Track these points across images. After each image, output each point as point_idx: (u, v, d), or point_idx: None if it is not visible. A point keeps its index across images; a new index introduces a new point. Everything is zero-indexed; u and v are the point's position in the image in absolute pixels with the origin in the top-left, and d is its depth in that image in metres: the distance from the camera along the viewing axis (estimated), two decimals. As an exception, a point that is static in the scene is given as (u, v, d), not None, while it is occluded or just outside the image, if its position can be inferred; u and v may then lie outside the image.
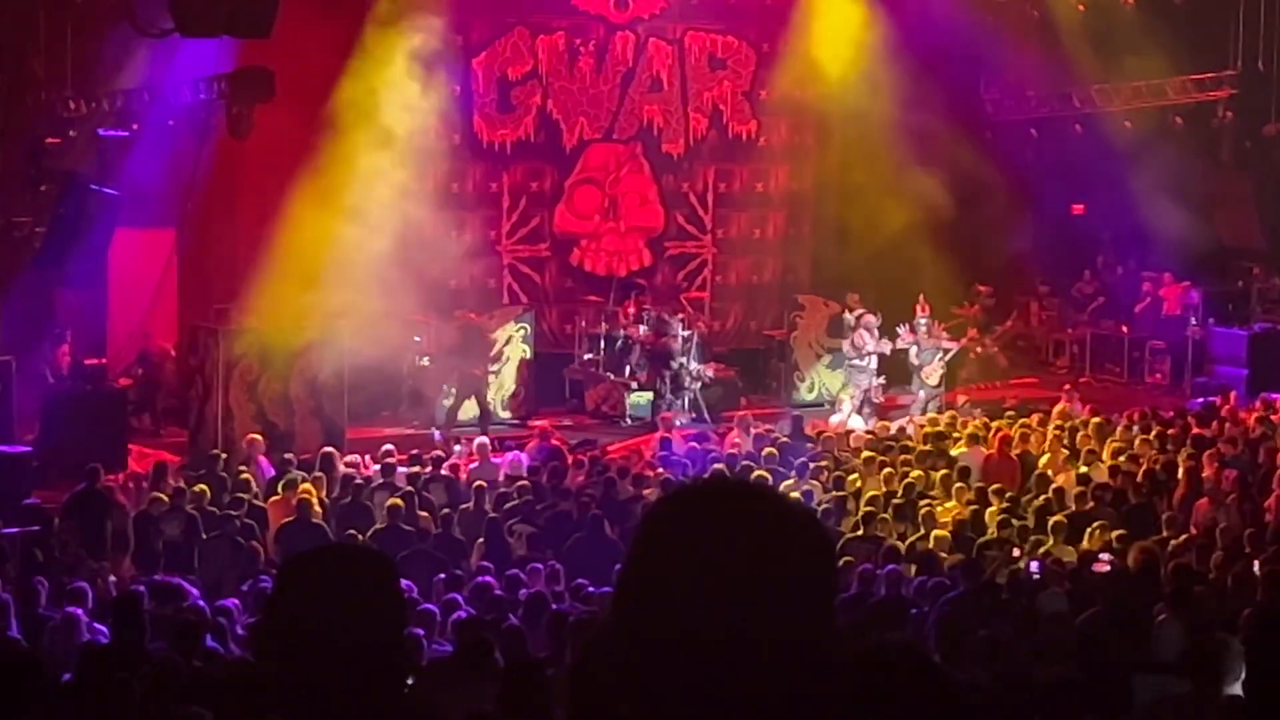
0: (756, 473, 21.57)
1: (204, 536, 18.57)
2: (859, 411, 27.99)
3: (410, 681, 10.36)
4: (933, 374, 28.75)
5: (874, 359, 28.71)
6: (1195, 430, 24.21)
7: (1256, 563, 16.91)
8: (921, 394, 28.70)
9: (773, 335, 31.68)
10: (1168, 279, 33.32)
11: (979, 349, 31.43)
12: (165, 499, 19.51)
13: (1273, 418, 24.94)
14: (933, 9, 31.20)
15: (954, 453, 23.11)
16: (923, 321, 28.95)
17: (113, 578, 17.01)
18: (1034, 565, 17.30)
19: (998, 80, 33.98)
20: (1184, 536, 18.19)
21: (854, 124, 31.78)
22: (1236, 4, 29.31)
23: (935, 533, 18.72)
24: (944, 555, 17.72)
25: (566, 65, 31.44)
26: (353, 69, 28.56)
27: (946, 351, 28.94)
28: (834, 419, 27.11)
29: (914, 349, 28.81)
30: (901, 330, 28.91)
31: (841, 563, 16.39)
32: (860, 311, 29.22)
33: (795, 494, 20.14)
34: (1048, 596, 15.35)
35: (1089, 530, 18.44)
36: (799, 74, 32.77)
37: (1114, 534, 18.21)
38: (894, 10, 31.57)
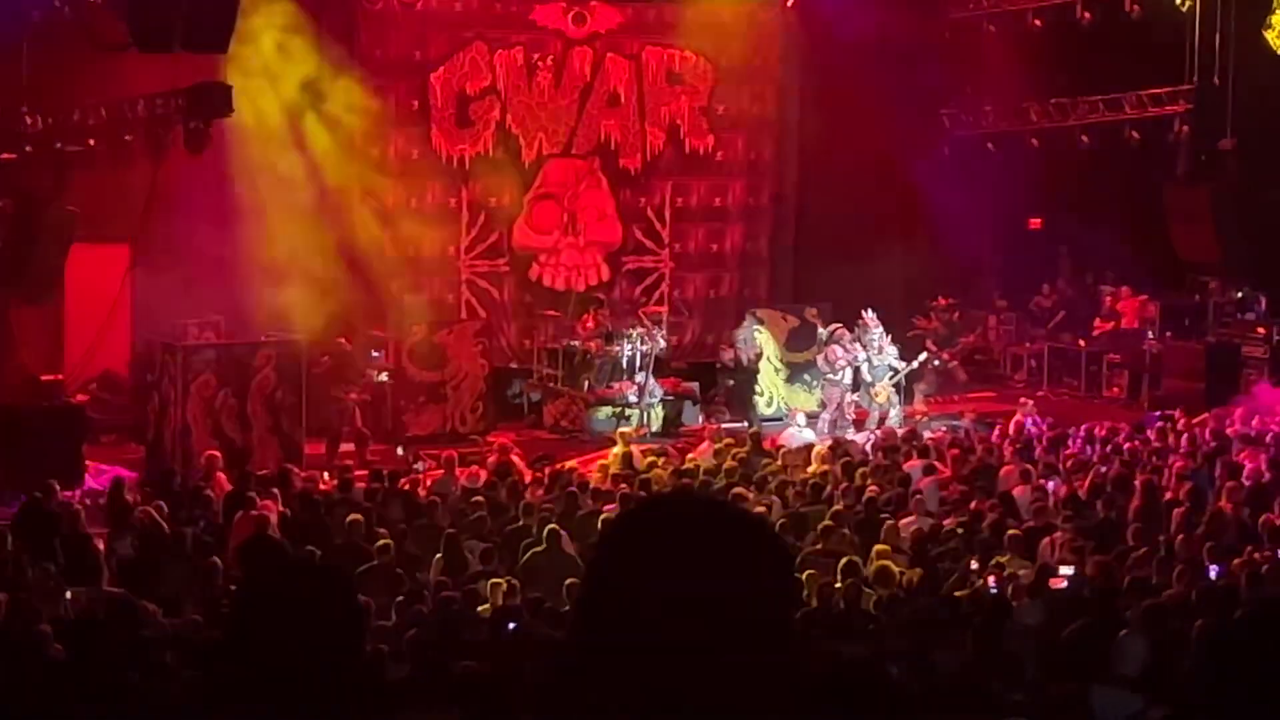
0: (716, 486, 21.63)
1: (162, 554, 18.48)
2: (834, 425, 28.00)
3: (370, 698, 10.33)
4: (881, 392, 28.71)
5: (848, 373, 28.71)
6: (1153, 444, 24.30)
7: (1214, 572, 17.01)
8: (875, 410, 28.69)
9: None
10: (1125, 293, 33.45)
11: (936, 363, 31.44)
12: (122, 515, 19.43)
13: (1228, 431, 25.03)
14: (890, 24, 31.27)
15: (910, 467, 23.11)
16: (875, 335, 28.89)
17: (68, 594, 16.92)
18: (991, 579, 17.33)
19: (955, 95, 34.07)
20: (1143, 550, 18.21)
21: (811, 139, 31.89)
22: (1192, 19, 29.41)
23: (894, 547, 18.70)
24: (903, 569, 17.73)
25: (525, 80, 31.42)
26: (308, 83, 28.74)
27: (897, 371, 28.92)
28: (792, 433, 27.08)
29: (865, 365, 28.80)
30: (852, 345, 28.85)
31: (801, 577, 16.41)
32: (835, 326, 29.25)
33: (755, 508, 20.15)
34: (1009, 610, 15.37)
35: (1046, 544, 18.47)
36: (757, 89, 32.88)
37: (1071, 548, 18.24)
38: (851, 26, 31.63)
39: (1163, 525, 19.77)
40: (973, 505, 20.54)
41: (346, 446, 26.17)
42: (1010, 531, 18.92)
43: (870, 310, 29.00)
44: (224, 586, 16.55)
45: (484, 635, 13.86)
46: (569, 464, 24.53)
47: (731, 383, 29.76)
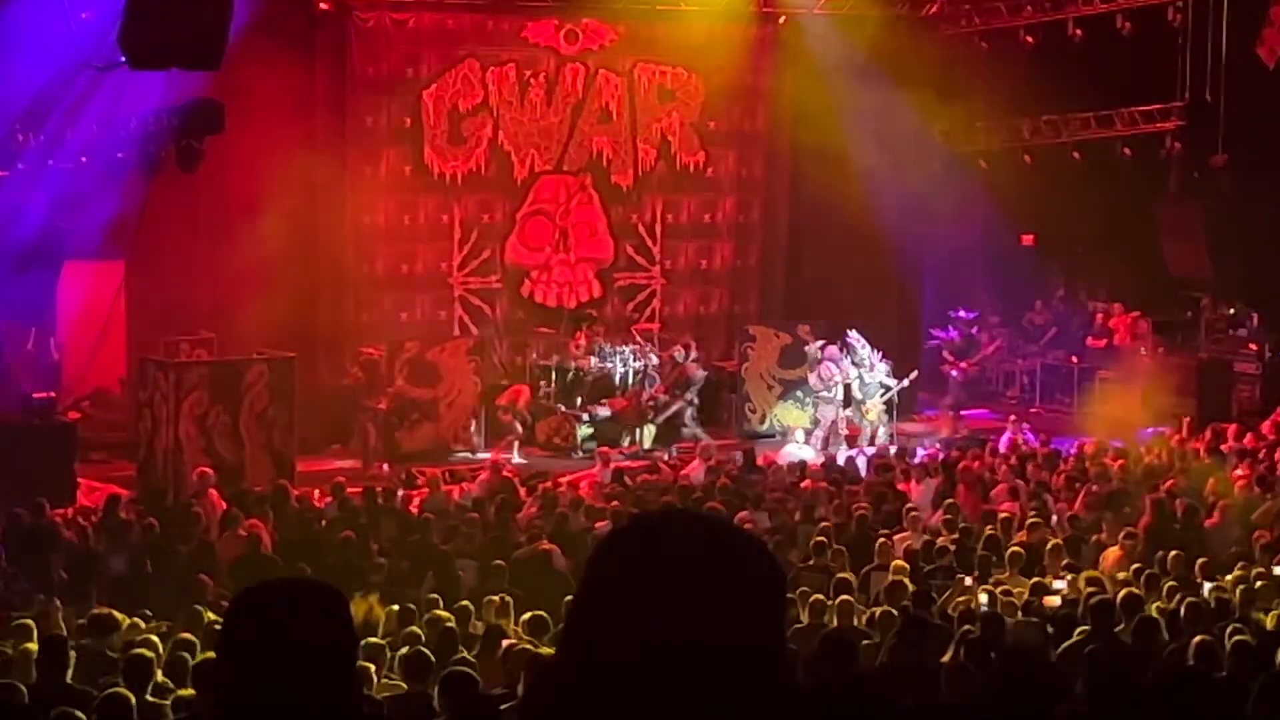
0: (709, 504, 21.58)
1: (153, 571, 18.44)
2: (826, 442, 28.02)
3: (361, 716, 10.30)
4: (871, 410, 28.74)
5: (841, 389, 28.73)
6: (1147, 460, 24.30)
7: (1206, 588, 16.99)
8: (866, 428, 28.70)
9: (723, 366, 31.71)
10: (1118, 309, 33.47)
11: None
12: (114, 533, 19.42)
13: (1222, 447, 25.04)
14: (882, 41, 31.30)
15: (904, 485, 23.11)
16: (864, 353, 28.93)
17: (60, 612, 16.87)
18: (984, 597, 17.30)
19: (947, 112, 34.09)
20: (1134, 566, 18.20)
21: (803, 155, 31.90)
22: (1184, 35, 29.47)
23: (888, 563, 18.67)
24: (900, 585, 17.69)
25: (517, 97, 31.43)
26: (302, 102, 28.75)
27: (888, 389, 28.94)
28: (790, 450, 27.11)
29: (857, 382, 28.82)
30: (843, 360, 28.91)
31: (793, 594, 16.37)
32: (823, 342, 29.29)
33: (746, 525, 20.13)
34: (1000, 628, 15.34)
35: (1041, 560, 18.45)
36: (748, 105, 32.92)
37: (1065, 564, 18.24)
38: (843, 43, 31.67)
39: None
40: (965, 522, 20.54)
41: (352, 463, 26.47)
42: (1004, 549, 18.93)
43: (853, 330, 29.09)
44: (215, 604, 16.52)
45: (476, 652, 13.83)
46: (562, 480, 24.52)
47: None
